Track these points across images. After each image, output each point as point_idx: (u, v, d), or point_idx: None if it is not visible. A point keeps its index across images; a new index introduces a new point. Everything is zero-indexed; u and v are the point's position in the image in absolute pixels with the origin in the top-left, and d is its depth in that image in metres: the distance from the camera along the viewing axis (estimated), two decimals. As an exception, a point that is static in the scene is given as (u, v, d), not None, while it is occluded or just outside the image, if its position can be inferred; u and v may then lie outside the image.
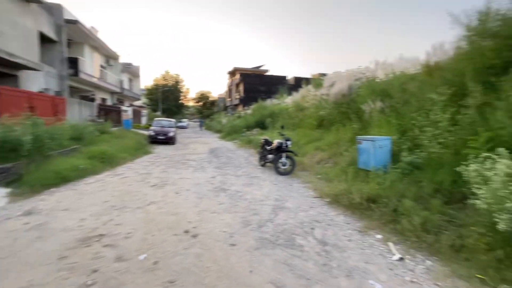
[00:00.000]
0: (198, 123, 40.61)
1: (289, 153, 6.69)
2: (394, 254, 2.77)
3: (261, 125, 17.02)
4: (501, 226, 2.16)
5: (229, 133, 19.38)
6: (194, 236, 3.17)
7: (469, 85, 4.57)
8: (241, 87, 36.78)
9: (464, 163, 2.91)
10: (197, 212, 4.00)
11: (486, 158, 2.61)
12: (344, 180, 4.96)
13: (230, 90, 43.68)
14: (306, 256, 2.76)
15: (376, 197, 3.85)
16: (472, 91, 4.44)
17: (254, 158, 9.28)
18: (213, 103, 58.79)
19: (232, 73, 43.08)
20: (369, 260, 2.69)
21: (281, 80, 36.26)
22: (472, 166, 2.63)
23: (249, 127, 17.58)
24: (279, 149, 6.79)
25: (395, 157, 4.82)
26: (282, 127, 7.13)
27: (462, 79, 5.09)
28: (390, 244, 2.97)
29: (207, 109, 57.21)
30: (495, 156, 2.53)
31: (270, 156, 7.19)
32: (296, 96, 16.23)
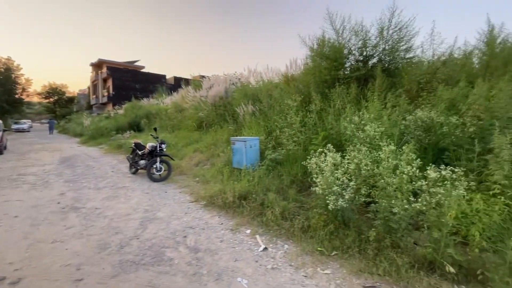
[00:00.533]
0: (47, 124, 30.24)
1: (164, 157, 6.19)
2: (260, 246, 3.00)
3: (136, 127, 15.18)
4: (331, 205, 2.73)
5: (93, 137, 16.11)
6: (14, 283, 2.27)
7: (312, 94, 5.72)
8: (110, 83, 31.61)
9: (309, 157, 3.54)
10: (25, 247, 2.93)
11: (321, 152, 3.26)
12: (220, 180, 5.05)
13: (95, 86, 36.57)
14: (175, 269, 2.53)
15: (246, 194, 4.11)
16: (314, 99, 5.58)
17: (125, 165, 8.06)
18: (71, 100, 47.35)
19: (97, 66, 36.18)
20: (238, 257, 2.77)
21: (159, 78, 33.85)
22: (313, 160, 3.22)
23: (120, 130, 15.27)
24: (153, 154, 6.16)
25: (263, 155, 5.37)
26: (156, 129, 6.51)
27: (308, 89, 6.34)
28: (257, 237, 3.21)
29: (62, 107, 45.37)
30: (326, 151, 3.19)
31: (142, 162, 6.40)
32: (176, 97, 15.53)
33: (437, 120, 3.62)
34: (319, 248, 2.79)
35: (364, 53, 5.90)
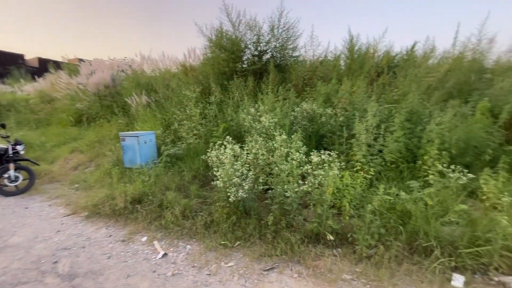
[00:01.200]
0: None
1: (22, 163, 4.70)
2: (159, 253, 2.69)
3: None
4: (231, 198, 2.72)
5: None
6: None
7: (212, 85, 5.60)
8: None
9: (209, 150, 3.43)
10: None
11: (221, 145, 3.21)
12: (108, 184, 4.26)
13: None
14: (38, 309, 1.92)
15: (141, 196, 3.62)
16: (214, 90, 5.48)
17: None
18: None
19: None
20: (131, 272, 2.39)
21: (15, 59, 25.61)
22: (213, 153, 3.13)
23: None
24: (2, 158, 4.55)
25: (160, 151, 4.88)
26: (3, 126, 4.83)
27: (208, 80, 6.18)
28: (155, 243, 2.87)
29: None
30: (226, 143, 3.16)
31: (-16, 171, 4.63)
32: (42, 83, 12.15)
33: (317, 111, 4.22)
34: (222, 242, 2.76)
35: (259, 48, 6.22)
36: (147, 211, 3.37)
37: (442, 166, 2.68)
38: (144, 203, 3.48)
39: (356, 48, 6.40)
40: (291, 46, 6.32)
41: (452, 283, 2.06)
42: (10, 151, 4.52)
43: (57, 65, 12.49)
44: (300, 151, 2.70)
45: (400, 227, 2.44)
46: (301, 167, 2.72)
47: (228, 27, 6.25)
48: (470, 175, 2.41)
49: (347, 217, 2.71)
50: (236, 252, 2.63)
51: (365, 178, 3.10)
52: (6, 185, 4.48)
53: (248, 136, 3.71)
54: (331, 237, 2.54)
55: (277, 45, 6.24)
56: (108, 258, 2.61)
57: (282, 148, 2.88)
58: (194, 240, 2.90)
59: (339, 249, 2.55)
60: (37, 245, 2.86)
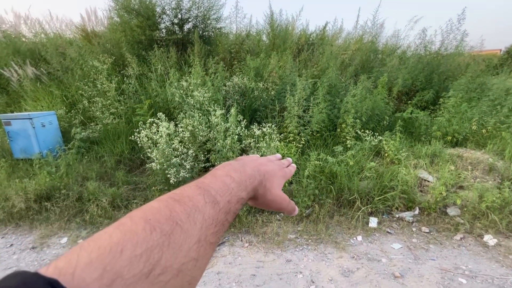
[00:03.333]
0: None
1: None
2: (87, 252, 2.30)
3: None
4: (172, 179, 2.53)
5: None
6: None
7: (126, 56, 4.82)
8: None
9: (136, 130, 3.02)
10: None
11: (151, 123, 2.86)
12: (-8, 183, 3.27)
13: None
14: None
15: (50, 191, 2.95)
16: (130, 62, 4.75)
17: None
18: None
19: None
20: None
21: None
22: (142, 133, 2.77)
23: None
24: None
25: (67, 135, 4.01)
26: None
27: (120, 50, 5.27)
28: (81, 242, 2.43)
29: None
30: (157, 121, 2.84)
31: None
32: None
33: (249, 86, 4.23)
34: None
35: (179, 15, 5.64)
36: (61, 208, 2.79)
37: (357, 132, 3.18)
38: (56, 199, 2.86)
39: (277, 24, 6.59)
40: (214, 16, 5.98)
41: (370, 225, 2.56)
42: None
43: None
44: (242, 125, 2.69)
45: (330, 186, 2.82)
46: (243, 141, 2.74)
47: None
48: (380, 138, 2.95)
49: (286, 184, 2.94)
50: (182, 235, 2.51)
51: (297, 147, 3.39)
52: None
53: (179, 113, 3.43)
54: (274, 204, 2.72)
55: (199, 13, 5.79)
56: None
57: (222, 123, 2.80)
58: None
59: (282, 214, 2.77)
60: None
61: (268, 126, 2.75)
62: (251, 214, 2.66)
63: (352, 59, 5.33)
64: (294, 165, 0.54)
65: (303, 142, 3.39)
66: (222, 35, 6.09)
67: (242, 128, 2.67)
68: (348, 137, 3.40)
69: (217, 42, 5.74)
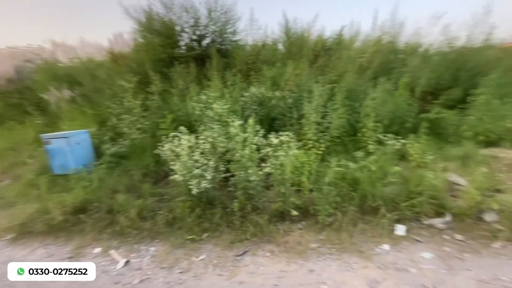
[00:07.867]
0: None
1: None
2: (118, 262, 2.44)
3: None
4: (194, 190, 2.61)
5: None
6: None
7: (150, 74, 5.11)
8: None
9: (160, 144, 3.17)
10: None
11: (174, 136, 3.00)
12: (35, 197, 3.58)
13: None
14: None
15: (85, 204, 3.17)
16: (153, 79, 5.03)
17: None
18: None
19: None
20: (89, 289, 2.11)
21: None
22: (166, 146, 2.91)
23: None
24: None
25: (98, 150, 4.31)
26: None
27: (144, 68, 5.61)
28: (112, 252, 2.59)
29: None
30: (179, 134, 2.97)
31: None
32: None
33: (266, 95, 4.29)
34: (189, 237, 2.65)
35: (197, 32, 5.91)
36: (94, 219, 2.98)
37: (378, 136, 3.09)
38: (89, 211, 3.07)
39: (292, 32, 6.64)
40: (230, 30, 6.18)
41: (396, 232, 2.44)
42: None
43: None
44: (259, 135, 2.73)
45: (352, 193, 2.74)
46: (261, 151, 2.77)
47: (159, 8, 5.74)
48: (403, 141, 2.84)
49: (307, 192, 2.91)
50: (205, 244, 2.57)
51: (317, 154, 3.35)
52: None
53: (200, 125, 3.56)
54: (295, 213, 2.70)
55: (216, 29, 6.02)
56: (51, 283, 2.25)
57: (240, 134, 2.86)
58: (156, 240, 2.72)
59: (303, 222, 2.74)
60: None
61: (286, 135, 2.76)
62: (272, 223, 2.66)
63: (370, 61, 5.21)
64: None
65: (322, 149, 3.35)
66: (238, 47, 6.26)
67: (259, 138, 2.71)
68: (369, 142, 3.31)
69: (234, 54, 5.90)
